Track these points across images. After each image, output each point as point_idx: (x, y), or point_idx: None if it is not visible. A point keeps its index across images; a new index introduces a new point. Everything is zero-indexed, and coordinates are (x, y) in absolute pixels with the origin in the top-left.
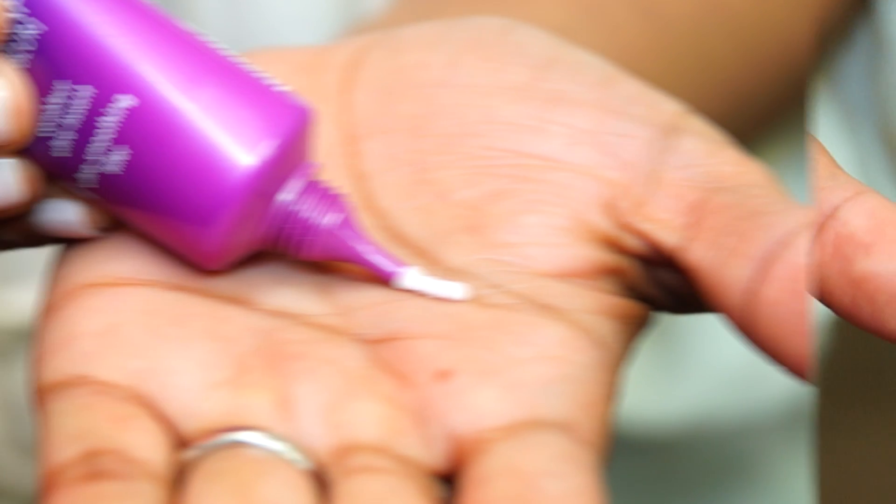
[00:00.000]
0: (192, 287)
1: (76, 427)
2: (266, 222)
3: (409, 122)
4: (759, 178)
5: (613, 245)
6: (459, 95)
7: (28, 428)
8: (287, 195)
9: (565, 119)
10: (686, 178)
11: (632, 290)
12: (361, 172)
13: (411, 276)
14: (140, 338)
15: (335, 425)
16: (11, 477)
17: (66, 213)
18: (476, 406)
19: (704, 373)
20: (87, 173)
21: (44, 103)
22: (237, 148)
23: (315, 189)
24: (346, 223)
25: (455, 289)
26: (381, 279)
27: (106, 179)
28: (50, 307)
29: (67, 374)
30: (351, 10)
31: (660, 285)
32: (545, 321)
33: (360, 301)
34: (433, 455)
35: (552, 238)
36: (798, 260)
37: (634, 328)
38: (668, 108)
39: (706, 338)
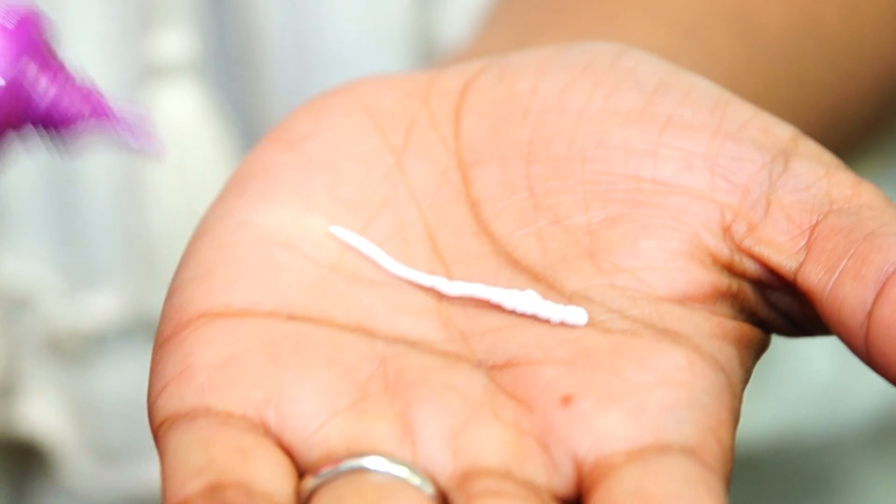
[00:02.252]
0: (310, 316)
1: (199, 460)
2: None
3: (521, 148)
4: (873, 199)
5: (729, 268)
6: (571, 121)
7: (105, 434)
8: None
9: (679, 143)
10: (800, 201)
11: (747, 314)
12: (474, 199)
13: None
14: (260, 367)
15: (458, 450)
16: (89, 483)
17: None
18: (600, 430)
19: (791, 387)
20: None
21: None
22: None
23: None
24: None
25: (574, 314)
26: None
27: None
28: (166, 338)
29: (187, 406)
30: (419, 28)
31: (774, 308)
32: (665, 346)
33: (479, 327)
34: (558, 480)
35: (669, 262)
36: None
37: (751, 351)
38: (781, 131)
39: (793, 352)
